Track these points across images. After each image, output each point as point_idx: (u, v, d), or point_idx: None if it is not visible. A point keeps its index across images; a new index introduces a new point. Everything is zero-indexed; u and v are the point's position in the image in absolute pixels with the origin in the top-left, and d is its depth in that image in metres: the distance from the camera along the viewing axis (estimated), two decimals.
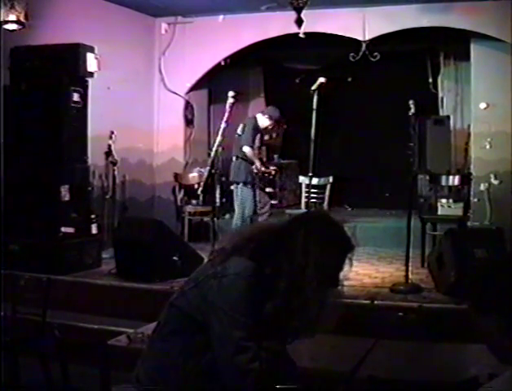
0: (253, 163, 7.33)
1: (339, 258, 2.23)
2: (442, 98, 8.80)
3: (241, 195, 7.33)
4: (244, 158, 7.32)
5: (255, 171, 7.38)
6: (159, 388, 2.20)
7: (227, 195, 8.53)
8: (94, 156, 7.04)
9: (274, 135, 10.37)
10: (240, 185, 7.34)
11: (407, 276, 5.59)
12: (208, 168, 5.36)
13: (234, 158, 7.42)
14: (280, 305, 2.14)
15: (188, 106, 8.93)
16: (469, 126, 8.26)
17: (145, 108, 8.61)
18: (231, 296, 2.11)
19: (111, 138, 7.63)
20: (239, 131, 7.41)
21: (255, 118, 7.55)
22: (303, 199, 8.10)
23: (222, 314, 2.10)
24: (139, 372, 2.27)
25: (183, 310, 2.21)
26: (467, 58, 8.12)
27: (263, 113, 7.62)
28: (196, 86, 8.85)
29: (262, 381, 2.08)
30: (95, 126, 6.80)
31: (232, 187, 7.78)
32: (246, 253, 2.19)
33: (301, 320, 2.16)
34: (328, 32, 7.85)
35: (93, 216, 6.72)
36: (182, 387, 2.17)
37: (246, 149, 7.28)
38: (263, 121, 7.55)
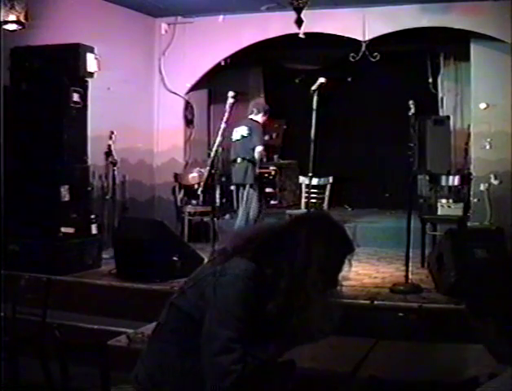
0: (256, 163, 7.35)
1: (340, 259, 2.23)
2: (442, 99, 8.80)
3: (247, 197, 7.34)
4: (252, 160, 7.34)
5: (257, 172, 7.41)
6: (158, 388, 2.20)
7: (227, 195, 8.52)
8: (94, 157, 7.03)
9: (274, 135, 10.38)
10: (247, 187, 7.35)
11: (407, 276, 5.58)
12: (208, 168, 5.36)
13: (239, 159, 7.40)
14: (282, 305, 2.13)
15: (188, 106, 8.94)
16: (469, 126, 8.26)
17: (145, 108, 8.61)
18: (227, 296, 2.11)
19: (111, 138, 7.63)
20: (244, 133, 7.40)
21: (255, 120, 7.55)
22: (303, 200, 8.08)
23: (215, 312, 2.10)
24: (139, 372, 2.27)
25: (182, 309, 2.21)
26: (467, 58, 8.12)
27: (258, 112, 7.57)
28: (196, 86, 8.85)
29: (241, 385, 2.05)
30: (95, 126, 6.79)
31: (233, 188, 7.78)
32: (247, 254, 2.19)
33: (302, 321, 2.16)
34: (328, 32, 7.85)
35: (93, 216, 6.72)
36: (181, 387, 2.17)
37: (260, 149, 7.31)
38: (262, 120, 7.57)
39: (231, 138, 7.47)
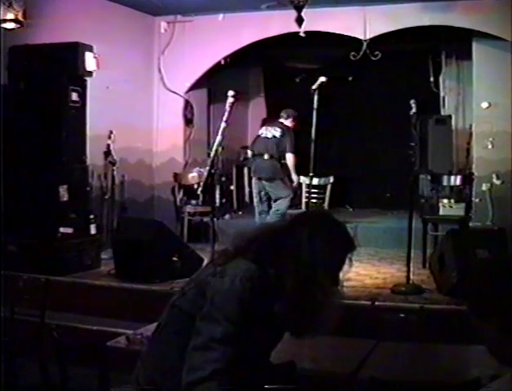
0: (282, 164, 7.63)
1: (342, 257, 2.22)
2: (443, 98, 8.78)
3: (281, 189, 7.63)
4: (279, 159, 7.63)
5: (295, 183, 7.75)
6: (159, 390, 2.17)
7: (227, 195, 8.50)
8: (93, 156, 7.02)
9: None
10: (278, 180, 7.65)
11: (408, 277, 5.56)
12: (208, 168, 5.33)
13: (267, 156, 7.68)
14: (287, 305, 2.12)
15: (188, 105, 8.91)
16: (471, 126, 8.23)
17: (144, 108, 8.58)
18: (222, 295, 2.09)
19: (110, 137, 7.61)
20: (277, 134, 7.70)
21: (286, 124, 7.80)
22: (303, 200, 8.08)
23: (208, 309, 2.08)
24: (139, 373, 2.26)
25: (183, 310, 2.20)
26: (469, 57, 8.10)
27: (287, 117, 7.86)
28: (195, 86, 8.83)
29: (208, 384, 2.00)
30: (94, 126, 6.78)
31: (254, 181, 8.00)
32: (249, 255, 2.18)
33: (308, 319, 2.15)
34: (329, 31, 7.82)
35: (92, 216, 6.70)
36: (181, 388, 2.14)
37: (290, 155, 7.61)
38: (291, 125, 7.84)
39: (259, 135, 7.88)
